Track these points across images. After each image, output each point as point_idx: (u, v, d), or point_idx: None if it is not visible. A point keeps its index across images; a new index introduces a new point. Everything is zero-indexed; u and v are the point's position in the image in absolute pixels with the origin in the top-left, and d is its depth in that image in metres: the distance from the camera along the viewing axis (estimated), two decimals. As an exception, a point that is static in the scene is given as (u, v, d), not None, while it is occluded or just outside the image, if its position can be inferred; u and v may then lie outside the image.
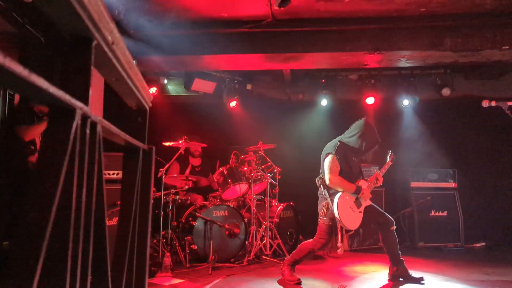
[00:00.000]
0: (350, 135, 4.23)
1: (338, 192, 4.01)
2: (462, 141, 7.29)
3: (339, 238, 3.98)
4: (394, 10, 4.96)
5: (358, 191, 4.05)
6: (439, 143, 7.24)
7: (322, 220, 4.09)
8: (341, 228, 3.97)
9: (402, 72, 7.03)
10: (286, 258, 4.32)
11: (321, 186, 4.10)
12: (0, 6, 4.06)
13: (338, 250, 3.99)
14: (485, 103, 3.91)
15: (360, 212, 4.10)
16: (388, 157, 4.52)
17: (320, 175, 4.15)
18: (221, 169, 5.64)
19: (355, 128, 4.25)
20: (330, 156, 4.07)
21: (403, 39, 5.30)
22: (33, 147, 3.76)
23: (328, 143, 4.26)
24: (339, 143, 4.16)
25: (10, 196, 3.51)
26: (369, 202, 4.18)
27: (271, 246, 5.43)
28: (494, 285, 4.04)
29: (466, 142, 7.27)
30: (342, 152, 4.10)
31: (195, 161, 6.29)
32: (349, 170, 4.12)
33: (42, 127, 3.72)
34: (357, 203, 4.09)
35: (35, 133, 3.70)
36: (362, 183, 4.16)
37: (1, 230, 3.35)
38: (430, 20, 5.13)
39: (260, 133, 6.61)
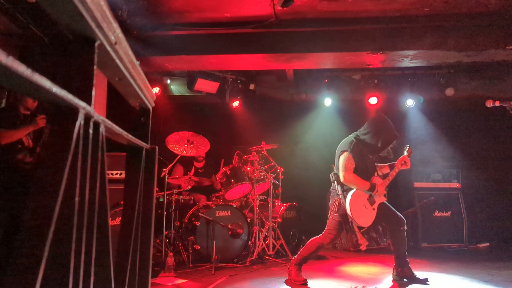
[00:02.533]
0: (365, 132, 4.18)
1: (351, 189, 4.01)
2: (466, 141, 7.26)
3: (358, 236, 3.97)
4: (398, 10, 4.95)
5: (372, 188, 4.04)
6: (443, 143, 7.22)
7: (333, 216, 4.10)
8: (355, 225, 3.96)
9: (406, 72, 7.01)
10: (293, 258, 4.31)
11: (335, 182, 4.10)
12: (4, 7, 4.08)
13: (361, 247, 3.98)
14: (489, 103, 3.89)
15: (374, 209, 4.09)
16: (405, 151, 4.49)
17: (335, 171, 4.14)
18: (224, 169, 5.64)
19: (370, 124, 4.20)
20: (345, 154, 4.06)
21: (406, 39, 5.29)
22: (20, 146, 3.76)
23: (344, 140, 4.23)
24: (354, 140, 4.13)
25: (2, 195, 3.52)
26: (383, 199, 4.17)
27: (274, 246, 5.42)
28: (498, 285, 4.02)
29: (470, 142, 7.25)
30: (358, 149, 4.08)
31: (198, 164, 6.31)
32: (364, 168, 4.10)
33: (19, 133, 3.72)
34: (371, 200, 4.08)
35: (13, 138, 3.68)
36: (376, 180, 4.15)
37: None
38: (434, 20, 5.12)
39: (263, 133, 6.62)
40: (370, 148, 4.16)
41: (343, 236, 6.11)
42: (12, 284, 0.58)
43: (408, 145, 4.55)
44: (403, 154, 4.47)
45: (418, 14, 5.05)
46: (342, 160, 4.06)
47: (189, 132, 5.37)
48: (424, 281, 4.07)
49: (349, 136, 4.26)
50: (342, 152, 4.10)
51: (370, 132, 4.15)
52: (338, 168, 4.10)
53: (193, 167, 6.26)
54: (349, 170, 4.01)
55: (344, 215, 4.00)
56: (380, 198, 4.15)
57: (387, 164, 4.47)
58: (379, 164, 4.41)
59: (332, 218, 4.12)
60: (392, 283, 4.14)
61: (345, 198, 3.98)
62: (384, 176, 4.28)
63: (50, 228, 0.63)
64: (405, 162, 4.30)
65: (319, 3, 4.75)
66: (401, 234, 4.12)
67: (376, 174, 4.26)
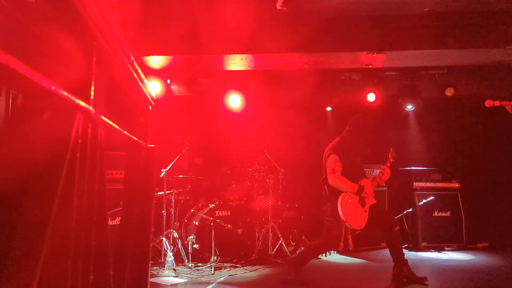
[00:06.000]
0: (349, 133, 4.24)
1: (341, 192, 4.01)
2: (465, 141, 7.26)
3: (342, 237, 3.99)
4: (397, 9, 4.95)
5: (360, 190, 4.05)
6: (442, 143, 7.22)
7: (328, 221, 4.09)
8: (346, 227, 3.97)
9: (405, 72, 7.00)
10: (292, 258, 4.32)
11: (325, 186, 4.11)
12: (3, 6, 4.07)
13: (340, 249, 4.01)
14: (488, 103, 3.89)
15: (365, 211, 4.10)
16: (389, 154, 4.52)
17: (324, 176, 4.16)
18: (224, 169, 5.65)
19: (352, 125, 4.27)
20: (331, 156, 4.08)
21: (406, 39, 5.29)
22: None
23: (330, 144, 4.27)
24: (339, 143, 4.18)
25: (18, 194, 3.52)
26: (373, 201, 4.18)
27: (274, 246, 5.42)
28: (497, 285, 4.03)
29: (469, 142, 7.24)
30: (343, 151, 4.11)
31: (199, 160, 6.29)
32: (351, 170, 4.12)
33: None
34: (361, 202, 4.09)
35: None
36: (365, 182, 4.16)
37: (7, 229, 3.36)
38: (434, 19, 5.12)
39: (263, 133, 6.61)
40: (355, 148, 4.20)
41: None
42: (11, 281, 0.59)
43: (391, 148, 4.56)
44: (388, 158, 4.47)
45: (418, 14, 5.05)
46: (329, 162, 4.08)
47: (187, 138, 5.38)
48: (423, 281, 4.07)
49: (335, 140, 4.29)
50: (329, 155, 4.12)
51: (353, 133, 4.20)
52: (326, 172, 4.12)
53: (194, 164, 6.24)
54: (337, 172, 4.03)
55: (338, 219, 3.99)
56: (371, 200, 4.16)
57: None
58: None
59: (327, 223, 4.11)
60: (391, 283, 4.14)
61: (336, 201, 3.98)
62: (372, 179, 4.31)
63: (48, 227, 0.63)
64: (383, 173, 4.27)
65: (319, 3, 4.75)
66: (395, 235, 4.13)
67: (364, 176, 4.28)
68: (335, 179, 4.01)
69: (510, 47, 5.14)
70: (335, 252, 5.78)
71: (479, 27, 5.15)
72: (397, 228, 4.13)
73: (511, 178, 7.02)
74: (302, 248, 4.35)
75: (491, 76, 6.98)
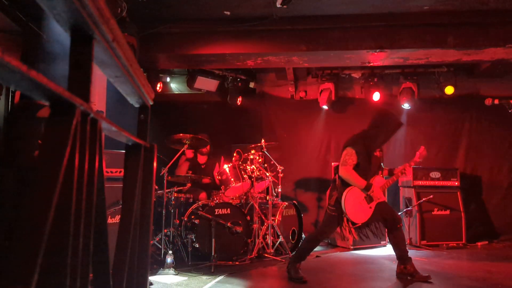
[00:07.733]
0: (371, 127, 4.20)
1: (350, 184, 4.03)
2: (465, 140, 7.26)
3: (347, 230, 4.00)
4: (397, 7, 4.95)
5: (367, 188, 4.05)
6: (442, 142, 7.22)
7: (330, 209, 4.11)
8: (347, 220, 4.00)
9: (405, 70, 7.00)
10: (291, 255, 4.33)
11: (337, 175, 4.13)
12: (3, 4, 4.07)
13: (348, 241, 4.02)
14: (488, 102, 3.90)
15: (370, 207, 4.11)
16: (417, 152, 4.51)
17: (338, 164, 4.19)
18: (224, 167, 5.64)
19: (374, 120, 4.23)
20: (348, 149, 4.09)
21: (406, 37, 5.28)
22: (40, 141, 3.71)
23: (351, 136, 4.25)
24: (360, 137, 4.16)
25: (16, 192, 3.51)
26: (383, 199, 4.21)
27: (273, 244, 5.42)
28: (497, 283, 4.03)
29: (469, 140, 7.24)
30: (363, 146, 4.10)
31: (202, 159, 6.28)
32: (367, 166, 4.11)
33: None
34: (368, 198, 4.10)
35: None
36: (377, 180, 4.17)
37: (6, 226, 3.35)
38: (434, 18, 5.11)
39: (263, 131, 6.62)
40: (376, 142, 4.18)
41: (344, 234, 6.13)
42: (9, 281, 0.58)
43: (422, 146, 4.53)
44: (414, 156, 4.47)
45: (418, 12, 5.05)
46: (344, 154, 4.11)
47: (189, 135, 5.32)
48: (427, 279, 4.06)
49: (357, 133, 4.25)
50: (346, 146, 4.14)
51: (375, 127, 4.16)
52: (340, 162, 4.14)
53: (196, 163, 6.24)
54: (349, 165, 4.04)
55: (339, 209, 4.02)
56: (380, 198, 4.16)
57: (387, 168, 4.50)
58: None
59: (329, 212, 4.14)
60: (395, 280, 4.14)
61: (342, 192, 4.00)
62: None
63: (46, 225, 0.63)
64: (403, 172, 4.35)
65: (318, 1, 4.74)
66: (398, 232, 4.14)
67: (380, 173, 4.30)
68: (345, 172, 4.02)
69: (510, 45, 5.13)
70: (335, 243, 5.79)
71: (479, 26, 5.15)
72: (399, 225, 4.14)
73: (511, 177, 7.03)
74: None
75: (491, 75, 6.98)
